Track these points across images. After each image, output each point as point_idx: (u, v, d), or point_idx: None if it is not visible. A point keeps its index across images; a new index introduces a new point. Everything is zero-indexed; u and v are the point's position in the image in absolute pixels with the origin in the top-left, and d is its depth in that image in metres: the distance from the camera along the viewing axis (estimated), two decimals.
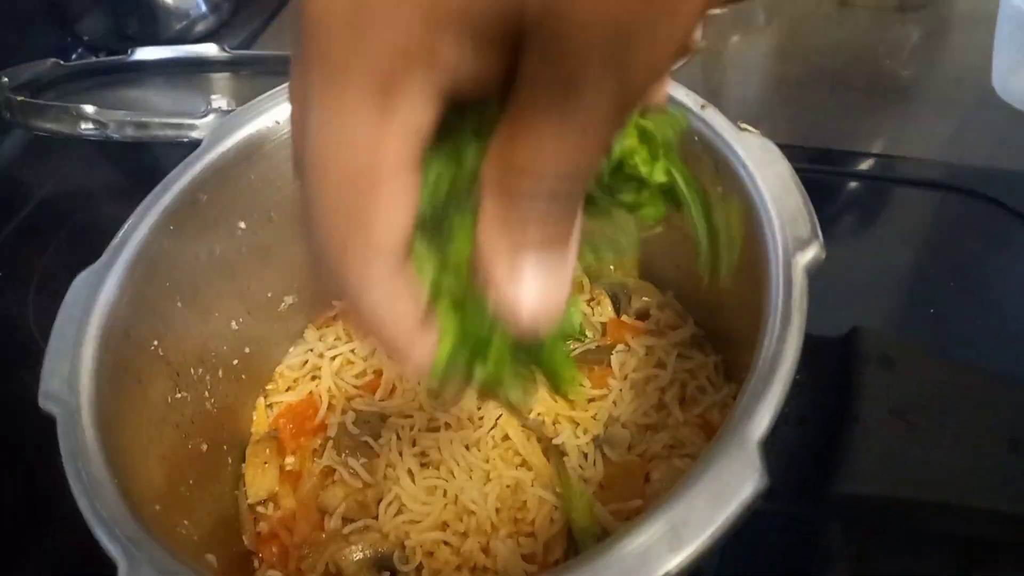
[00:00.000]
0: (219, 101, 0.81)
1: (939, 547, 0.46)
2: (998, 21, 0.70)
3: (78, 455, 0.34)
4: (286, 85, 0.47)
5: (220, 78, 0.85)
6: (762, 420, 0.30)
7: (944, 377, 0.33)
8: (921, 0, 0.83)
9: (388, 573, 0.44)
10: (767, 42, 0.86)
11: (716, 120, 0.40)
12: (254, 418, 0.52)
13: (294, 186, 0.49)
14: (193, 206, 0.44)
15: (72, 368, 0.37)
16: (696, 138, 0.41)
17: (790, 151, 0.72)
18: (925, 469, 0.31)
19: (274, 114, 0.47)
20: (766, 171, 0.37)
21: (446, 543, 0.44)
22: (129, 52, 0.81)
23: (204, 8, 0.95)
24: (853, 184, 0.70)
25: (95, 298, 0.39)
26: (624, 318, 0.53)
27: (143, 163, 0.84)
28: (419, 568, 0.44)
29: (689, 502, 0.28)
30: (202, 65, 0.84)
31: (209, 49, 0.83)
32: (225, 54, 0.83)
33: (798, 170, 0.38)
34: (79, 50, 0.97)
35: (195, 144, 0.56)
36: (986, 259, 0.64)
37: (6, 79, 0.70)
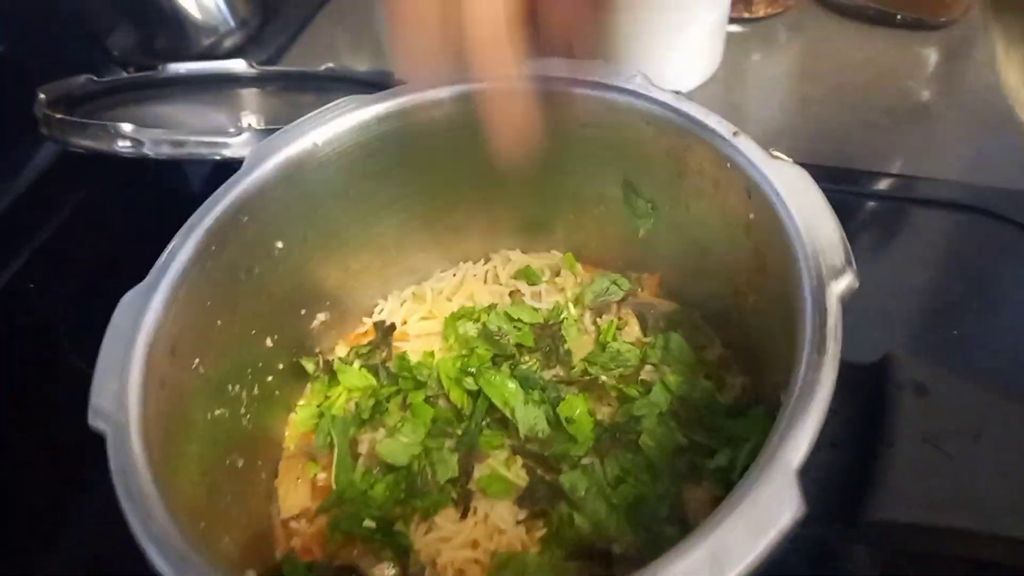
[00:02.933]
0: (248, 117, 0.83)
1: (964, 572, 0.47)
2: None
3: (128, 472, 0.35)
4: (324, 108, 0.49)
5: (248, 94, 0.86)
6: (800, 447, 0.31)
7: (977, 404, 0.34)
8: (945, 19, 0.83)
9: None
10: (788, 61, 0.87)
11: (748, 147, 0.41)
12: (286, 434, 0.53)
13: (332, 202, 0.50)
14: (235, 227, 0.45)
15: (120, 386, 0.37)
16: (728, 164, 0.42)
17: (811, 170, 0.73)
18: (958, 496, 0.32)
19: (312, 136, 0.48)
20: (799, 199, 0.38)
21: (477, 561, 0.45)
22: (160, 67, 0.82)
23: (232, 24, 0.97)
24: (874, 204, 0.71)
25: (142, 317, 0.40)
26: (651, 338, 0.53)
27: (170, 179, 0.86)
28: None
29: (729, 529, 0.29)
30: (230, 81, 0.85)
31: (237, 65, 0.85)
32: (253, 70, 0.85)
33: None
34: (109, 65, 0.98)
35: (225, 164, 0.58)
36: (1007, 280, 0.64)
37: (43, 95, 0.72)
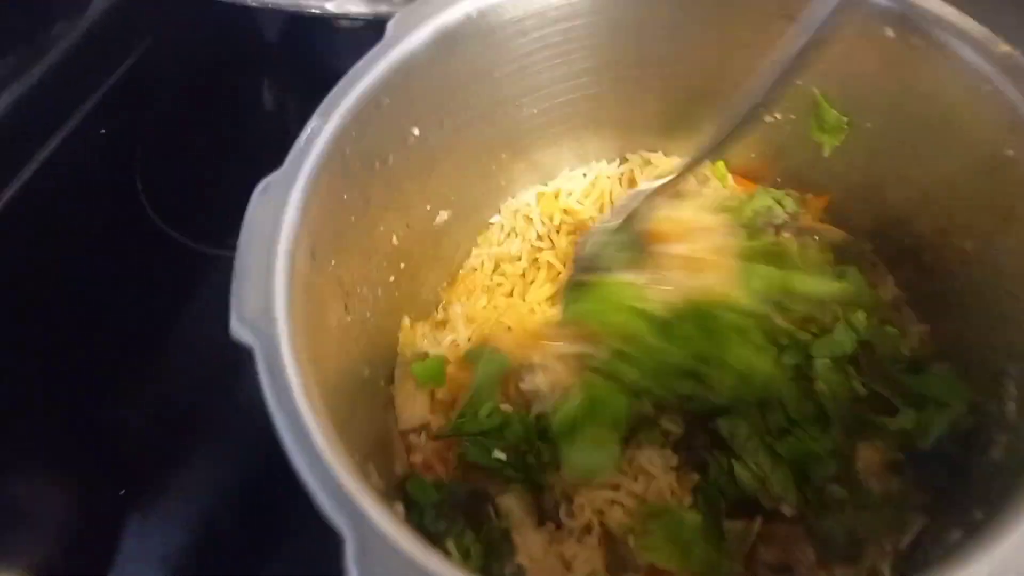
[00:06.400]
0: None
1: None
2: None
3: (281, 391, 0.30)
4: None
5: None
6: None
7: None
8: None
9: (552, 524, 0.42)
10: None
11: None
12: (400, 337, 0.49)
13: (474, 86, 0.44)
14: (376, 110, 0.39)
15: (266, 293, 0.33)
16: (987, 87, 0.35)
17: None
18: None
19: (466, 6, 0.41)
20: None
21: (619, 503, 0.41)
22: None
23: None
24: None
25: (282, 214, 0.35)
26: None
27: (239, 27, 0.78)
28: (588, 527, 0.41)
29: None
30: None
31: None
32: None
33: None
34: None
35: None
36: None
37: None
